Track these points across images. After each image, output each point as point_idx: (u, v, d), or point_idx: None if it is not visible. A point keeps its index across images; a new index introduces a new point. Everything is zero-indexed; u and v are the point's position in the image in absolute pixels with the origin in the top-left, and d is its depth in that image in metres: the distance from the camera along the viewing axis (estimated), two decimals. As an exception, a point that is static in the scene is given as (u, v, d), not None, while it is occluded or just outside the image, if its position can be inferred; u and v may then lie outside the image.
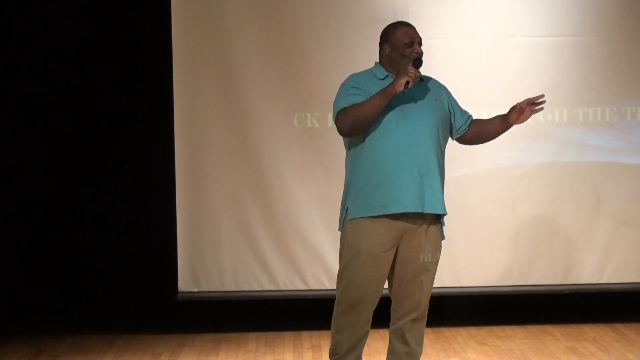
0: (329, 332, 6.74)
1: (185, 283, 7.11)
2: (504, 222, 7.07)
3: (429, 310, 7.24)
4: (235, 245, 7.13)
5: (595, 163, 7.09)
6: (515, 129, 6.82)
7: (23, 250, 7.20)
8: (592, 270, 7.12)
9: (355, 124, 4.79)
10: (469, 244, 7.04)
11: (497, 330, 6.96)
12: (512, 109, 4.97)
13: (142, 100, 7.14)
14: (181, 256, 7.11)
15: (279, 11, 6.96)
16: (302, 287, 7.03)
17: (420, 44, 4.93)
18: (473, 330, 6.95)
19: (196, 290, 7.09)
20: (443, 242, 7.25)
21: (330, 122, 6.97)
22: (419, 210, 4.73)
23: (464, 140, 5.05)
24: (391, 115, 4.78)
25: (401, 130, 4.77)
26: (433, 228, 4.83)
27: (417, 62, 4.83)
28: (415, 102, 4.85)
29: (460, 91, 6.82)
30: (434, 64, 6.88)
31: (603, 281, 7.12)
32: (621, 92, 7.07)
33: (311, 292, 7.04)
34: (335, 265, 6.90)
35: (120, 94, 7.04)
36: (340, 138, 6.97)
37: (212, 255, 7.10)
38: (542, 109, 4.91)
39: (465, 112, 5.08)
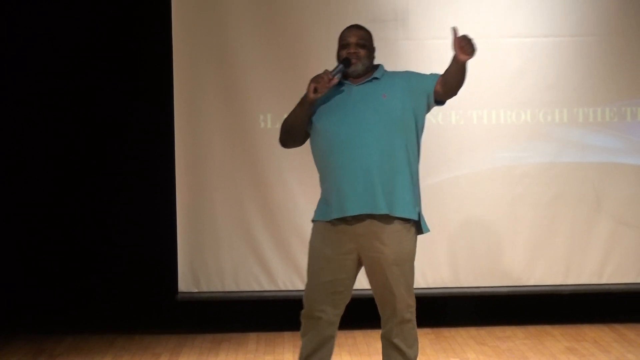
0: None
1: (185, 283, 7.11)
2: (503, 222, 7.08)
3: (427, 310, 7.20)
4: (235, 245, 7.13)
5: (595, 163, 7.10)
6: (514, 129, 6.95)
7: (23, 250, 7.20)
8: (591, 271, 7.12)
9: (284, 135, 4.88)
10: (468, 244, 7.05)
11: (497, 330, 6.98)
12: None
13: (142, 100, 7.15)
14: (181, 256, 7.11)
15: (279, 12, 6.97)
16: (301, 287, 6.76)
17: (358, 44, 4.90)
18: (473, 331, 6.97)
19: (196, 290, 7.09)
20: (443, 241, 7.07)
21: None
22: (362, 212, 4.66)
23: (440, 97, 4.87)
24: (334, 120, 4.76)
25: (343, 133, 4.73)
26: (392, 229, 4.70)
27: (345, 62, 4.82)
28: (359, 103, 4.81)
29: (460, 94, 6.88)
30: (435, 64, 6.85)
31: (603, 282, 7.12)
32: (621, 92, 7.07)
33: None
34: None
35: (121, 95, 7.05)
36: None
37: (212, 256, 7.10)
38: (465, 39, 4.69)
39: (433, 75, 4.90)
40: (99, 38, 7.18)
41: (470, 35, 4.59)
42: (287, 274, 7.07)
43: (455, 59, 4.66)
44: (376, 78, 4.87)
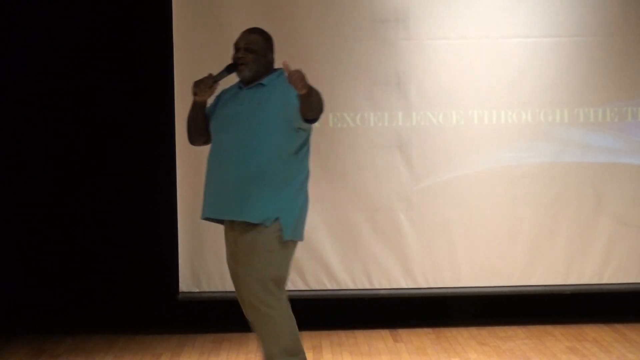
0: (329, 332, 6.94)
1: (186, 283, 7.11)
2: (504, 222, 7.09)
3: (428, 309, 7.24)
4: None
5: (595, 163, 7.10)
6: (515, 129, 6.99)
7: (23, 250, 7.21)
8: (592, 271, 7.12)
9: (187, 133, 5.09)
10: (469, 244, 7.07)
11: (498, 330, 6.97)
12: None
13: (143, 101, 7.15)
14: (182, 256, 7.11)
15: (279, 12, 6.98)
16: (302, 287, 7.05)
17: (247, 49, 4.97)
18: (474, 331, 6.97)
19: (197, 290, 7.10)
20: (444, 241, 7.07)
21: (331, 122, 7.05)
22: (213, 216, 4.90)
23: (305, 118, 4.93)
24: (216, 123, 4.95)
25: (217, 139, 4.91)
26: (245, 236, 4.85)
27: (229, 67, 4.93)
28: (238, 108, 4.92)
29: (461, 90, 6.98)
30: (434, 64, 7.03)
31: (604, 281, 7.12)
32: (622, 93, 7.08)
33: (311, 292, 7.07)
34: (335, 266, 7.02)
35: (122, 95, 7.06)
36: (341, 139, 7.05)
37: (213, 256, 7.05)
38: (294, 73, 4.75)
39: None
40: (100, 38, 7.18)
41: (302, 72, 4.65)
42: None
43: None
44: (262, 84, 4.94)
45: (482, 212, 7.08)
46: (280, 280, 4.94)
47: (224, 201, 4.88)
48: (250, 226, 4.88)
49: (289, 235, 4.92)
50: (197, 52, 7.03)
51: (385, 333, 6.97)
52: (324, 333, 6.94)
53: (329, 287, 7.04)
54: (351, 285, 7.09)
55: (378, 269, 7.11)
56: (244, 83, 5.01)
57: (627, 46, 7.04)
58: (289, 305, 5.05)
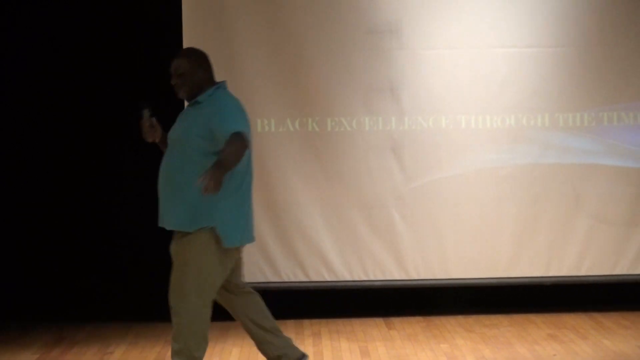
0: (328, 320, 7.01)
1: None
2: (490, 219, 7.09)
3: (419, 299, 7.10)
4: None
5: (574, 164, 7.10)
6: (500, 132, 6.98)
7: (48, 244, 7.20)
8: (571, 264, 7.14)
9: None
10: (457, 239, 7.10)
11: (484, 318, 7.04)
12: None
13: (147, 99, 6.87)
14: None
15: (282, 25, 7.00)
16: (303, 278, 7.10)
17: (175, 75, 5.10)
18: (461, 319, 7.03)
19: None
20: (434, 236, 7.08)
21: (330, 127, 7.02)
22: (160, 225, 5.14)
23: None
24: (168, 138, 5.19)
25: (165, 152, 5.15)
26: (178, 238, 5.07)
27: (141, 104, 5.11)
28: (174, 129, 5.14)
29: (449, 97, 6.99)
30: (426, 73, 7.01)
31: (581, 274, 7.15)
32: (599, 99, 7.09)
33: (312, 284, 7.13)
34: (334, 259, 7.10)
35: (123, 95, 6.93)
36: (339, 142, 7.06)
37: None
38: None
39: (226, 130, 4.91)
40: (108, 40, 7.08)
41: (211, 177, 4.69)
42: (290, 267, 7.11)
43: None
44: (198, 102, 5.10)
45: (469, 210, 7.09)
46: (200, 288, 5.05)
47: (161, 211, 5.11)
48: (178, 234, 5.05)
49: (228, 242, 5.01)
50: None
51: (379, 321, 7.02)
52: (323, 321, 7.01)
53: (328, 278, 7.10)
54: (348, 277, 7.13)
55: (373, 262, 7.12)
56: (189, 101, 5.15)
57: (604, 56, 7.04)
58: (208, 308, 5.15)
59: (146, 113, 5.11)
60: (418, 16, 7.04)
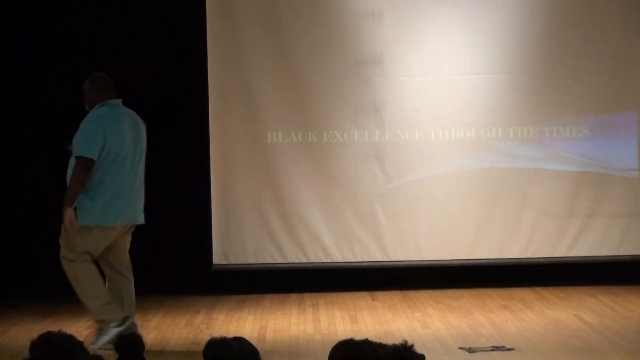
0: (324, 293, 7.65)
1: (218, 257, 7.67)
2: (455, 212, 7.68)
3: (396, 277, 7.51)
4: (255, 229, 7.67)
5: (523, 168, 7.64)
6: (463, 143, 7.53)
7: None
8: (520, 248, 7.71)
9: None
10: (428, 228, 7.70)
11: (449, 292, 7.49)
12: None
13: (184, 123, 7.52)
14: (215, 237, 7.64)
15: (290, 59, 7.60)
16: (304, 260, 7.72)
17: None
18: (431, 292, 7.50)
19: (226, 262, 7.66)
20: (409, 226, 7.60)
21: (325, 138, 7.61)
22: None
23: None
24: None
25: None
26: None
27: (65, 144, 5.88)
28: None
29: (422, 115, 7.54)
30: (403, 95, 7.60)
31: (528, 256, 7.70)
32: (542, 116, 7.66)
33: (311, 264, 7.69)
34: (329, 244, 7.65)
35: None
36: (333, 150, 7.67)
37: (238, 237, 7.65)
38: None
39: (79, 151, 5.67)
40: (139, 48, 7.42)
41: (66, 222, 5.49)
42: (294, 251, 7.66)
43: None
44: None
45: (438, 205, 7.68)
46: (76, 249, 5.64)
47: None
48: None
49: (81, 221, 5.70)
50: (227, 82, 7.53)
51: (365, 294, 7.56)
52: (320, 294, 7.52)
53: (324, 260, 7.67)
54: (340, 259, 7.69)
55: (360, 247, 7.67)
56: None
57: (547, 80, 7.64)
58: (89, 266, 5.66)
59: (67, 148, 5.79)
60: (397, 49, 7.62)
